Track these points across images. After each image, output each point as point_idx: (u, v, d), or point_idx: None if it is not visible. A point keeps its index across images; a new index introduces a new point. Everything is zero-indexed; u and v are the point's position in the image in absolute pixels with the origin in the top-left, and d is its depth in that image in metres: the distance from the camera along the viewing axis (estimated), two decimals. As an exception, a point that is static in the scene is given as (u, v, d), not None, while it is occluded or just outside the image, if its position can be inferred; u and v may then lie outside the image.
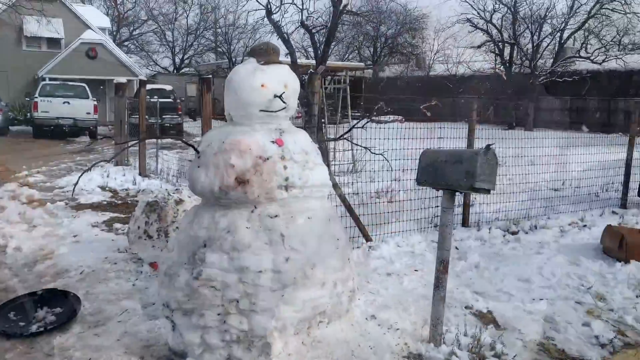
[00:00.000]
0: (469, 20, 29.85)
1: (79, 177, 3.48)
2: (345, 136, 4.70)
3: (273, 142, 3.07)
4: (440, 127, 7.15)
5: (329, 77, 28.21)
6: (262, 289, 2.94)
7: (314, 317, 3.12)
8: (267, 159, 3.02)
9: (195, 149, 3.17)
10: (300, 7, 11.02)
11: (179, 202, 4.62)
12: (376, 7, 39.60)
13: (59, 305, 3.91)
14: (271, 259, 2.96)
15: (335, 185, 5.05)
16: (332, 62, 18.08)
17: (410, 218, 6.13)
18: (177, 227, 4.25)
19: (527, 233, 5.94)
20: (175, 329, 3.16)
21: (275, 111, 3.12)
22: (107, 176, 9.33)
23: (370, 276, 4.48)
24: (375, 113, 5.15)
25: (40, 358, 3.32)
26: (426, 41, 41.07)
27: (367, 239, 5.43)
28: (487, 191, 3.00)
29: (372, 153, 4.37)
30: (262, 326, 2.97)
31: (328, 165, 10.89)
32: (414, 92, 34.64)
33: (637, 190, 7.73)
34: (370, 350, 3.17)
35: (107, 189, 8.52)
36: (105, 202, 7.56)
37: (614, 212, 7.23)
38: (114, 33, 35.70)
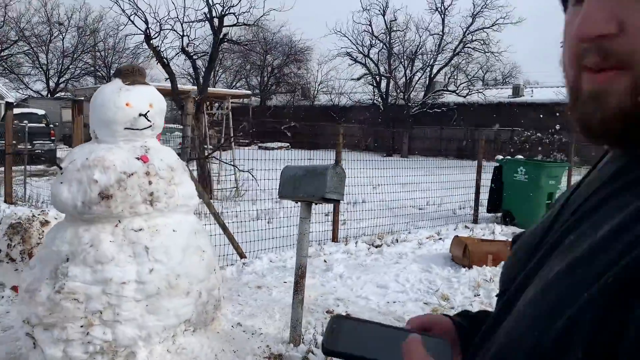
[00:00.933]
0: (348, 54, 31.60)
1: None
2: (213, 155, 4.89)
3: (138, 158, 3.23)
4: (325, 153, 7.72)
5: (217, 105, 28.22)
6: (126, 299, 3.05)
7: (179, 325, 3.27)
8: (132, 174, 3.16)
9: (59, 166, 3.22)
10: (181, 33, 11.13)
11: (45, 223, 4.52)
12: (262, 37, 40.55)
13: None
14: (135, 271, 3.09)
15: (209, 205, 5.22)
16: (215, 89, 18.21)
17: (285, 234, 6.45)
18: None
19: (389, 246, 6.50)
20: (36, 346, 3.14)
21: (141, 129, 3.28)
22: (-32, 204, 8.66)
23: (241, 289, 4.69)
24: (240, 134, 5.41)
25: None
26: (310, 72, 42.69)
27: (242, 256, 5.64)
28: (337, 201, 3.38)
29: (239, 170, 4.62)
30: (126, 336, 3.07)
31: (211, 190, 10.94)
32: (299, 121, 35.70)
33: (486, 207, 8.73)
34: (233, 354, 3.38)
35: (-34, 216, 7.92)
36: (-38, 230, 7.04)
37: (466, 227, 8.10)
38: (-22, 53, 32.96)
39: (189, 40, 11.21)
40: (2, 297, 4.43)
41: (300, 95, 42.48)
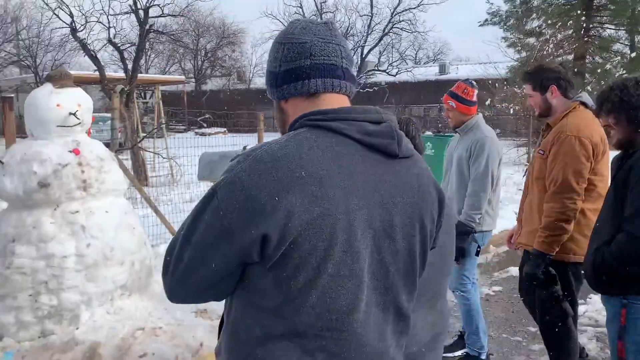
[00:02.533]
0: (281, 36, 32.03)
1: None
2: (142, 146, 5.41)
3: (70, 151, 3.77)
4: (254, 137, 8.29)
5: (150, 92, 27.97)
6: (68, 270, 3.62)
7: (115, 290, 3.87)
8: (66, 165, 3.70)
9: (0, 161, 3.72)
10: (107, 25, 11.34)
11: (-14, 213, 4.95)
12: (194, 21, 40.19)
13: None
14: (74, 246, 3.66)
15: (140, 190, 5.76)
16: (146, 75, 18.30)
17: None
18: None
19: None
20: (-10, 316, 3.66)
21: (71, 126, 3.81)
22: None
23: (173, 262, 5.30)
24: (171, 122, 5.97)
25: None
26: (245, 55, 42.80)
27: (173, 234, 6.21)
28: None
29: (163, 158, 5.19)
30: (70, 301, 3.65)
31: (146, 177, 11.29)
32: (236, 104, 35.87)
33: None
34: (165, 311, 4.02)
35: None
36: None
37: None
38: None
39: (115, 32, 11.44)
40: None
41: (236, 79, 42.55)
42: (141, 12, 10.94)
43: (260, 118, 7.19)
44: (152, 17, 11.13)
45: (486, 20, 21.60)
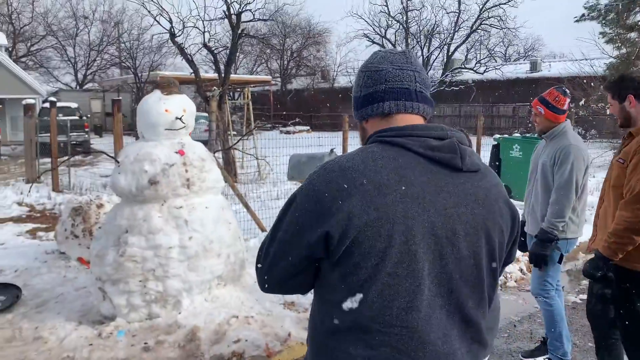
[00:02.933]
0: (365, 35, 32.15)
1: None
2: (235, 146, 5.77)
3: (176, 152, 4.15)
4: (338, 137, 8.57)
5: (239, 92, 29.10)
6: (172, 260, 4.00)
7: (213, 279, 4.22)
8: (172, 165, 4.09)
9: (116, 160, 4.18)
10: (202, 29, 12.01)
11: (100, 206, 5.53)
12: (281, 21, 41.28)
13: (2, 294, 4.72)
14: (178, 238, 4.04)
15: (233, 187, 6.15)
16: (237, 76, 19.11)
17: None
18: (99, 227, 5.16)
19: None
20: (105, 298, 4.13)
21: (177, 129, 4.20)
22: (21, 193, 9.81)
23: (262, 256, 5.63)
24: (261, 122, 6.30)
25: (-7, 331, 4.15)
26: (329, 54, 43.26)
27: (262, 229, 6.58)
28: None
29: (251, 157, 5.51)
30: (174, 288, 4.03)
31: (236, 174, 11.85)
32: (320, 103, 36.43)
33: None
34: (256, 301, 4.33)
35: (23, 204, 9.05)
36: (24, 216, 8.17)
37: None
38: (10, 49, 34.47)
39: (210, 36, 12.10)
40: (70, 266, 5.45)
41: (320, 78, 43.16)
42: (234, 17, 11.50)
43: (345, 119, 7.39)
44: (244, 21, 11.67)
45: (583, 15, 20.48)
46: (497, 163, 9.20)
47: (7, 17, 36.48)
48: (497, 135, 10.20)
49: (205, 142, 12.49)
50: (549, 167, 3.50)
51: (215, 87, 9.75)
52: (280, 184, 10.22)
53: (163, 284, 4.01)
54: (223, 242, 4.26)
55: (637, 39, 17.60)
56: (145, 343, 3.78)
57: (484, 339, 1.38)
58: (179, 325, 3.96)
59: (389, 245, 1.22)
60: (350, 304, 1.26)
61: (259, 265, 1.39)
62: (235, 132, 15.35)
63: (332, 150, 4.15)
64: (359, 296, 1.25)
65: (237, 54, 43.19)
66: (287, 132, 26.40)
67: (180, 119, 4.17)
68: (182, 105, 4.24)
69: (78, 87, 38.49)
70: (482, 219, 1.33)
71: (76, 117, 19.51)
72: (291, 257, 1.31)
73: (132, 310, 4.04)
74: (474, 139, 13.88)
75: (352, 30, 44.01)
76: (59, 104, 21.20)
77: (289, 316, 4.19)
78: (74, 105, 21.77)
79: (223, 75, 11.57)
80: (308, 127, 31.58)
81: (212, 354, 3.68)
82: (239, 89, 26.37)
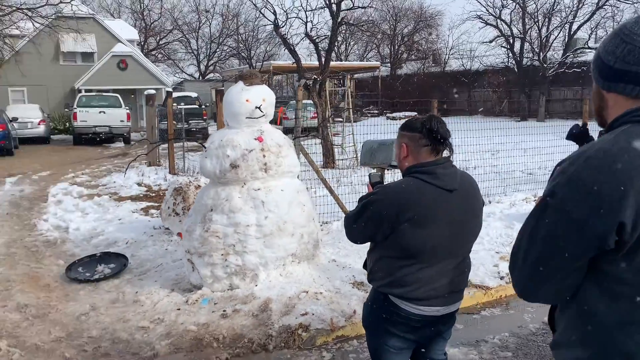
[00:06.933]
0: (479, 16, 30.83)
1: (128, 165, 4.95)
2: (313, 134, 6.02)
3: (255, 139, 4.51)
4: (454, 122, 8.56)
5: (341, 77, 29.49)
6: (250, 237, 4.38)
7: (287, 257, 4.55)
8: (251, 150, 4.45)
9: (203, 146, 4.63)
10: (305, 19, 12.42)
11: (198, 187, 6.10)
12: (391, 6, 40.98)
13: (113, 262, 5.45)
14: (255, 217, 4.40)
15: (317, 172, 6.44)
16: (337, 63, 19.40)
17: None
18: (196, 205, 5.71)
19: (480, 207, 7.21)
20: (194, 269, 4.62)
21: (257, 117, 4.55)
22: (142, 175, 10.94)
23: (342, 238, 5.87)
24: (367, 107, 6.50)
25: (102, 293, 4.84)
26: (441, 38, 42.16)
27: (346, 213, 6.81)
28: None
29: (342, 148, 5.73)
30: (251, 262, 4.42)
31: (334, 160, 12.14)
32: (430, 88, 35.71)
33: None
34: (327, 280, 4.59)
35: (142, 185, 10.12)
36: (141, 195, 9.15)
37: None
38: (142, 44, 37.77)
39: (312, 26, 12.48)
40: (171, 240, 6.10)
41: (431, 62, 42.25)
42: (334, 6, 11.76)
43: (434, 105, 7.35)
44: (344, 10, 11.89)
45: None
46: None
47: (139, 14, 40.01)
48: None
49: (313, 129, 13.00)
50: None
51: (304, 79, 10.06)
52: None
53: (242, 258, 4.41)
54: (297, 222, 4.57)
55: None
56: (224, 311, 4.20)
57: None
58: (255, 296, 4.34)
59: None
60: None
61: (516, 270, 1.32)
62: (341, 119, 15.72)
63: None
64: None
65: (348, 40, 43.76)
66: (393, 118, 26.30)
67: (259, 107, 4.51)
68: (261, 95, 4.57)
69: (200, 78, 41.23)
70: None
71: (195, 106, 21.04)
72: (567, 253, 1.22)
73: (216, 281, 4.49)
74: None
75: (464, 12, 42.23)
76: (180, 94, 23.05)
77: (356, 295, 4.40)
78: (193, 94, 23.46)
79: (324, 62, 11.90)
80: (415, 114, 31.11)
81: (280, 324, 4.00)
82: (340, 76, 26.75)
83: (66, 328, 4.16)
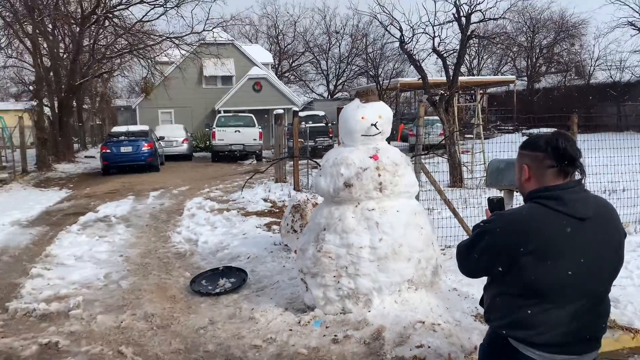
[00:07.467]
0: (631, 23, 27.97)
1: (245, 181, 5.03)
2: (432, 151, 5.69)
3: (370, 157, 4.34)
4: (600, 139, 7.81)
5: (481, 93, 28.33)
6: (363, 259, 4.20)
7: (402, 283, 4.29)
8: (366, 169, 4.29)
9: (318, 164, 4.56)
10: (432, 35, 12.09)
11: (315, 205, 6.06)
12: (528, 17, 38.74)
13: (234, 277, 5.57)
14: (369, 239, 4.22)
15: (440, 192, 6.09)
16: (465, 78, 18.65)
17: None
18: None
19: (630, 234, 6.33)
20: (307, 289, 4.54)
21: (372, 135, 4.39)
22: (269, 191, 11.29)
23: (465, 264, 5.46)
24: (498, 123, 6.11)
25: (221, 307, 4.94)
26: (585, 48, 38.88)
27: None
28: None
29: (470, 166, 5.36)
30: (364, 286, 4.23)
31: (461, 179, 11.60)
32: (572, 102, 32.97)
33: None
34: (446, 310, 4.25)
35: (268, 200, 10.42)
36: (266, 210, 9.40)
37: None
38: (276, 66, 39.69)
39: (440, 40, 12.10)
40: (289, 257, 6.13)
41: (573, 74, 39.13)
42: (463, 20, 11.30)
43: (574, 120, 6.64)
44: (474, 22, 11.37)
45: None
46: None
47: (274, 39, 42.20)
48: None
49: (440, 146, 12.57)
50: None
51: (441, 91, 9.73)
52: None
53: (354, 281, 4.24)
54: (413, 246, 4.30)
55: None
56: (335, 335, 4.05)
57: None
58: (367, 322, 4.13)
59: None
60: None
61: None
62: (472, 136, 15.03)
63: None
64: None
65: (482, 54, 42.15)
66: (530, 135, 24.61)
67: (375, 125, 4.34)
68: (377, 112, 4.41)
69: (329, 97, 42.24)
70: None
71: (322, 124, 21.54)
72: None
73: (328, 303, 4.36)
74: None
75: (613, 19, 38.59)
76: (308, 113, 23.79)
77: (479, 329, 4.00)
78: (321, 113, 24.04)
79: (452, 77, 11.46)
80: (555, 129, 28.85)
81: (394, 354, 3.75)
82: (481, 91, 25.65)
83: (185, 340, 4.28)
